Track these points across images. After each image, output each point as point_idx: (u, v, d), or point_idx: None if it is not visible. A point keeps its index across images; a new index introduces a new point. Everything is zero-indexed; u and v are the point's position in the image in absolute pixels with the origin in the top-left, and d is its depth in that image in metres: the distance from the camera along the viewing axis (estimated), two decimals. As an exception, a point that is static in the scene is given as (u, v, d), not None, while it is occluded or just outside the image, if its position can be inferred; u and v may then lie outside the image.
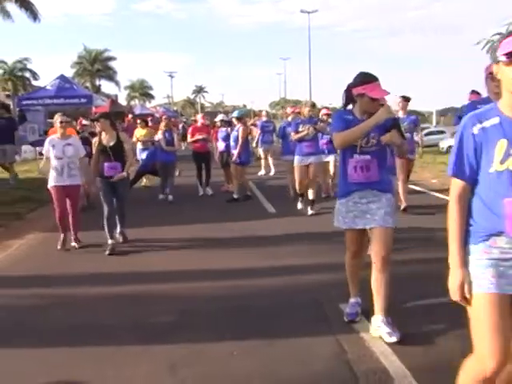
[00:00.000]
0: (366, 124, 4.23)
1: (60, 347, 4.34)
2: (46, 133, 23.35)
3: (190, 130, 13.52)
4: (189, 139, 13.12)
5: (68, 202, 7.61)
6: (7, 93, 53.06)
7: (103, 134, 7.59)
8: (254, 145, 17.09)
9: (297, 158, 9.71)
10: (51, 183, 7.56)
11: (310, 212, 9.71)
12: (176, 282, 5.96)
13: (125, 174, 7.59)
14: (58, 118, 7.65)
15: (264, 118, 18.02)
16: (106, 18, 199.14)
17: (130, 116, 26.09)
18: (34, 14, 30.20)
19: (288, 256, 6.82)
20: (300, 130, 9.49)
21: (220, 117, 13.77)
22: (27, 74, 52.53)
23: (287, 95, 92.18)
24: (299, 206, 10.19)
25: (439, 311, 4.71)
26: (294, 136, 9.64)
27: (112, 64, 58.39)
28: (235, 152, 11.81)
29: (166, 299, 5.45)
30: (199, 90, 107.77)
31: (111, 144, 7.44)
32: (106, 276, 6.14)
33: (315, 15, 59.96)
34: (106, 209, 7.46)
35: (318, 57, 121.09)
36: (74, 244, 7.70)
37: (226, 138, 12.67)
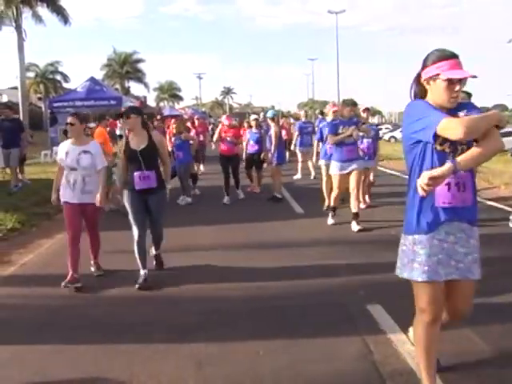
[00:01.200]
0: (492, 116, 2.93)
1: (90, 344, 4.42)
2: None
3: (218, 129, 12.93)
4: (215, 139, 12.81)
5: (84, 222, 6.26)
6: (39, 95, 54.12)
7: (131, 134, 6.05)
8: (292, 147, 16.60)
9: (335, 165, 8.51)
10: (62, 198, 6.16)
11: (356, 228, 8.30)
12: (202, 281, 6.01)
13: (168, 187, 6.30)
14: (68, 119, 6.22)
15: (303, 119, 16.74)
16: (134, 20, 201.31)
17: (159, 117, 26.26)
18: (64, 18, 30.74)
19: (313, 257, 6.82)
20: (340, 131, 8.41)
21: (253, 117, 13.31)
22: (58, 77, 53.52)
23: (315, 96, 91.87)
24: (330, 220, 8.95)
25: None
26: (331, 139, 8.51)
27: (141, 66, 59.07)
28: (270, 153, 11.72)
29: (192, 299, 5.50)
30: (227, 91, 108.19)
31: (142, 147, 5.91)
32: (134, 275, 6.21)
33: (342, 15, 59.41)
34: (136, 231, 5.97)
35: (345, 57, 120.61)
36: (92, 269, 6.51)
37: (258, 140, 12.38)
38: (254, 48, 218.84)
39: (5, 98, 51.18)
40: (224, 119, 12.78)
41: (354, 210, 8.44)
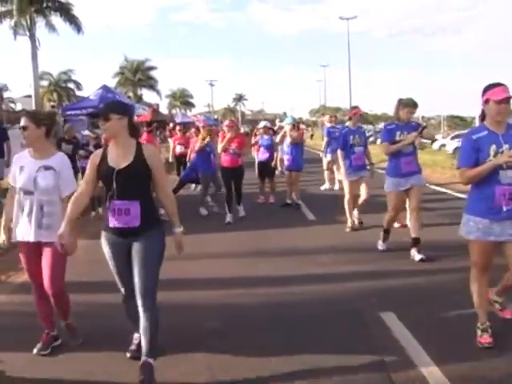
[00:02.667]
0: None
1: (103, 350, 4.44)
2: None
3: (219, 139, 10.72)
4: (219, 149, 10.39)
5: (45, 270, 4.32)
6: (52, 103, 54.56)
7: (111, 144, 3.96)
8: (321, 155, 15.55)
9: (391, 181, 7.06)
10: (15, 235, 4.40)
11: (418, 257, 6.80)
12: (215, 289, 6.01)
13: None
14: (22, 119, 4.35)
15: (328, 124, 14.84)
16: (146, 28, 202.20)
17: (171, 125, 26.37)
18: (77, 27, 30.94)
19: (327, 264, 6.81)
20: (398, 138, 6.92)
21: (263, 123, 13.02)
22: (71, 85, 53.94)
23: (327, 102, 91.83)
24: (381, 246, 7.46)
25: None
26: (387, 148, 6.97)
27: (153, 73, 59.39)
28: (286, 158, 11.45)
29: (205, 306, 5.50)
30: (239, 98, 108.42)
31: (122, 166, 3.82)
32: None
33: (354, 21, 59.44)
34: (121, 289, 4.22)
35: (357, 62, 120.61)
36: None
37: (269, 146, 12.19)
38: (265, 54, 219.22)
39: (19, 107, 51.58)
40: (225, 126, 10.43)
41: (413, 234, 6.98)
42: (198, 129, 16.09)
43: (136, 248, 3.90)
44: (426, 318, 4.84)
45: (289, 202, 11.77)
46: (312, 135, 57.00)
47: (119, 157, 3.88)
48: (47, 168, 4.29)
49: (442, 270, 6.18)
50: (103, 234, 4.05)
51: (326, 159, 14.52)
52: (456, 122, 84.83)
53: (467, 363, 3.94)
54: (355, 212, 9.21)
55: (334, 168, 13.81)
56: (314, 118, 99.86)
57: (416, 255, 6.80)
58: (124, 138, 3.91)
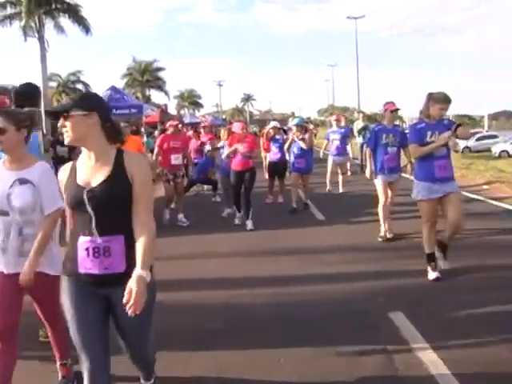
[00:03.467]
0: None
1: (113, 350, 4.44)
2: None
3: (228, 141, 10.14)
4: (225, 152, 9.94)
5: (39, 309, 3.69)
6: (61, 104, 54.63)
7: (83, 154, 2.95)
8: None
9: (421, 188, 6.02)
10: None
11: (445, 265, 6.19)
12: (224, 288, 6.02)
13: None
14: None
15: (334, 126, 14.17)
16: (153, 29, 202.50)
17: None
18: (86, 28, 31.09)
19: (335, 264, 6.80)
20: (429, 139, 5.93)
21: (273, 124, 12.54)
22: (80, 86, 54.03)
23: (335, 102, 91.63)
24: (432, 275, 5.96)
25: (493, 320, 4.63)
26: (416, 150, 6.04)
27: (161, 74, 59.49)
28: (297, 161, 11.09)
29: (214, 306, 5.51)
30: (247, 98, 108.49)
31: (94, 184, 2.84)
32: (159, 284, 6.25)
33: (362, 20, 59.36)
34: (84, 363, 2.92)
35: (365, 62, 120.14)
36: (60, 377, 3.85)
37: (281, 146, 11.79)
38: (273, 54, 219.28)
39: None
40: (236, 127, 9.80)
41: (444, 267, 6.15)
42: (195, 130, 16.00)
43: (121, 308, 2.63)
44: (436, 317, 4.82)
45: (295, 206, 11.16)
46: (315, 134, 56.90)
47: (91, 171, 2.81)
48: (23, 182, 3.40)
49: (451, 269, 6.16)
50: (65, 280, 2.91)
51: (330, 163, 13.77)
52: (464, 120, 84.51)
53: (477, 363, 3.92)
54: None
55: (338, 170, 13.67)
56: (322, 118, 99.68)
57: (443, 263, 6.17)
58: (96, 144, 2.81)
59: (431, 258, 6.05)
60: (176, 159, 10.02)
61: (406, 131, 7.91)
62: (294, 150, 11.20)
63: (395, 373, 3.85)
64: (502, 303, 5.05)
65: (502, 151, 24.06)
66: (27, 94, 7.22)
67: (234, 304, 5.53)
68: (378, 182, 8.12)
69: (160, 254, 6.41)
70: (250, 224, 9.41)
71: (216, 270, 6.76)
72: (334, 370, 3.97)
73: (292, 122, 12.28)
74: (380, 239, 8.05)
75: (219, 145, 11.96)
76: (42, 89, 31.73)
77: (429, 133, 5.91)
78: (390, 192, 8.17)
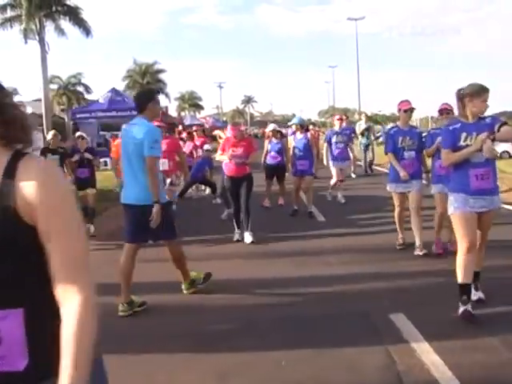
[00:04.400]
0: None
1: (113, 353, 4.42)
2: (99, 145, 23.94)
3: (220, 145, 9.28)
4: (218, 157, 9.11)
5: None
6: (62, 107, 54.82)
7: None
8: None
9: (456, 198, 4.93)
10: None
11: (478, 294, 5.21)
12: (225, 291, 6.00)
13: None
14: None
15: (344, 124, 13.62)
16: (155, 31, 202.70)
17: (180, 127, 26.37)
18: (86, 30, 31.15)
19: (336, 265, 6.80)
20: (463, 143, 4.85)
21: (271, 127, 12.23)
22: (81, 88, 54.07)
23: (336, 103, 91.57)
24: (463, 309, 4.79)
25: (494, 321, 4.61)
26: (448, 157, 4.95)
27: (162, 76, 59.52)
28: (299, 163, 10.58)
29: (215, 308, 5.51)
30: (248, 100, 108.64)
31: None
32: (156, 285, 6.23)
33: (362, 21, 59.40)
34: None
35: (365, 63, 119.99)
36: None
37: (280, 150, 11.46)
38: (273, 56, 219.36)
39: (29, 110, 51.79)
40: (229, 130, 9.00)
41: (475, 268, 5.06)
42: (189, 133, 15.84)
43: None
44: (437, 319, 4.80)
45: (296, 207, 10.95)
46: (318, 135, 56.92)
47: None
48: None
49: (452, 271, 6.13)
50: None
51: (335, 169, 12.55)
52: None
53: (479, 364, 3.91)
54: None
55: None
56: (322, 119, 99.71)
57: (476, 293, 5.15)
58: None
59: (465, 291, 4.85)
60: (163, 165, 8.36)
61: (424, 133, 7.59)
62: (296, 150, 10.72)
63: (396, 374, 3.83)
64: (504, 304, 5.03)
65: (504, 152, 23.99)
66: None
67: (234, 306, 5.52)
68: (392, 191, 7.47)
69: (158, 257, 6.46)
70: (249, 237, 8.44)
71: (216, 272, 6.74)
72: (335, 371, 3.95)
73: (292, 121, 11.92)
74: (398, 247, 7.53)
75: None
76: (42, 91, 31.77)
77: (463, 135, 4.86)
78: (412, 201, 7.30)
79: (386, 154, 7.48)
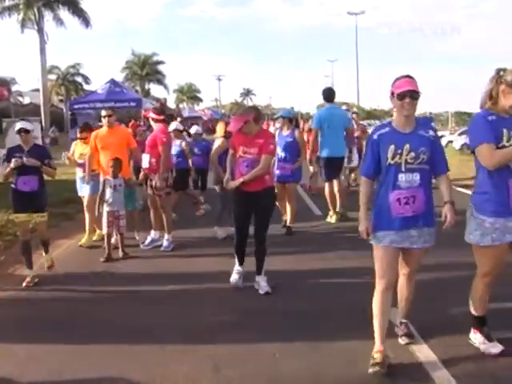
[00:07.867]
0: None
1: (108, 344, 4.44)
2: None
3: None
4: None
5: None
6: (60, 97, 54.72)
7: None
8: None
9: (493, 226, 3.98)
10: None
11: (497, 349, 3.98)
12: (220, 282, 5.99)
13: None
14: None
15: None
16: (153, 23, 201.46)
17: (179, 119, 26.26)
18: (85, 21, 31.11)
19: (333, 259, 6.79)
20: (506, 143, 3.71)
21: (174, 125, 10.25)
22: (79, 79, 54.03)
23: (335, 98, 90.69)
24: (489, 346, 4.01)
25: (490, 317, 4.60)
26: (491, 154, 3.72)
27: (160, 68, 59.44)
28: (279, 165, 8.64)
29: (209, 300, 5.51)
30: (247, 93, 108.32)
31: None
32: (150, 276, 6.22)
33: (362, 16, 59.31)
34: None
35: (364, 58, 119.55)
36: None
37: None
38: (272, 49, 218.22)
39: (27, 100, 51.69)
40: (232, 125, 6.11)
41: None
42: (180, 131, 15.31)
43: None
44: (432, 315, 4.80)
45: (288, 223, 8.86)
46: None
47: None
48: None
49: (452, 267, 6.13)
50: None
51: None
52: (464, 118, 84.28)
53: (474, 361, 3.93)
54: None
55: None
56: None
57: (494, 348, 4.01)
58: None
59: (481, 323, 4.15)
60: (145, 159, 7.75)
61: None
62: (278, 151, 8.33)
63: (390, 369, 3.81)
64: (501, 301, 5.02)
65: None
66: None
67: (229, 299, 5.53)
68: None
69: (152, 251, 6.44)
70: (263, 284, 5.74)
71: (213, 266, 6.74)
72: (329, 365, 3.97)
73: (277, 115, 10.11)
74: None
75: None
76: (41, 81, 31.68)
77: (504, 130, 3.72)
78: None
79: None
